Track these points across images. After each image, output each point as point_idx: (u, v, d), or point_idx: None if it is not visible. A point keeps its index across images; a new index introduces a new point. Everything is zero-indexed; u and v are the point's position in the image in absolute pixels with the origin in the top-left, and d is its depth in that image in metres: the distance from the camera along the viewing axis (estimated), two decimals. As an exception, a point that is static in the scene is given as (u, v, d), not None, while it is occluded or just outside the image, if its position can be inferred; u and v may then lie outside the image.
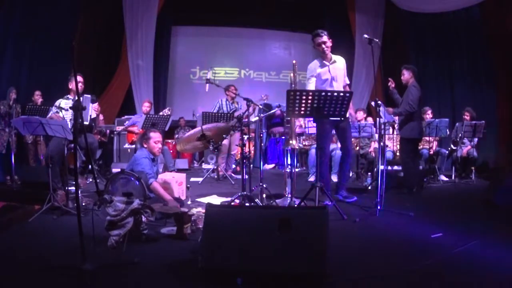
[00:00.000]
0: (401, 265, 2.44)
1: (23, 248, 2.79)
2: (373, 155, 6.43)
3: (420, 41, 8.73)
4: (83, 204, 3.95)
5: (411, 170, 5.09)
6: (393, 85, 5.14)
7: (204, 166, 8.43)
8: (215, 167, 6.52)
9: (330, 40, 4.25)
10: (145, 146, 3.84)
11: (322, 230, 2.16)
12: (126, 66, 9.22)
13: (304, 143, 7.77)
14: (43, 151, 5.93)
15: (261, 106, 5.02)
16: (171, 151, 8.15)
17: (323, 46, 4.21)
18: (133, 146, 6.65)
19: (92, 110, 4.49)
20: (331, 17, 10.18)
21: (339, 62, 4.38)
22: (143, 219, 2.90)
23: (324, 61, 4.32)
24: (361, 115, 7.11)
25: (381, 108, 4.67)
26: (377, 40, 4.00)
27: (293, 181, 4.31)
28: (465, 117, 6.68)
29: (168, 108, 7.03)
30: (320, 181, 3.79)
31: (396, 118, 5.44)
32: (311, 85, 4.34)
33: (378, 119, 4.18)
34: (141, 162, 3.71)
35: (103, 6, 8.84)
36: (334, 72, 4.32)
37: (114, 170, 6.06)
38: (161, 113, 6.84)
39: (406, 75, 5.02)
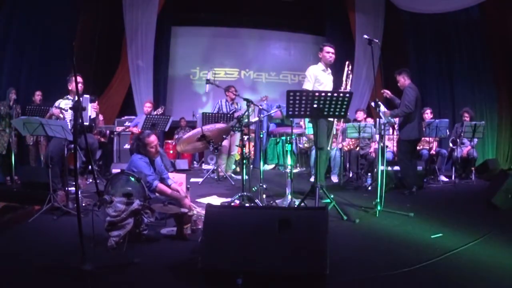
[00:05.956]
0: (401, 265, 2.44)
1: (23, 248, 2.79)
2: (373, 155, 6.43)
3: (420, 41, 8.71)
4: (83, 204, 3.95)
5: (408, 170, 5.10)
6: (388, 95, 5.19)
7: (204, 166, 8.43)
8: (215, 168, 6.52)
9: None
10: (144, 153, 3.66)
11: (322, 230, 2.16)
12: (126, 66, 9.20)
13: (304, 144, 7.76)
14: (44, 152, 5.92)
15: (261, 107, 5.02)
16: (171, 151, 8.17)
17: (331, 55, 4.62)
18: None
19: (91, 109, 4.48)
20: (331, 17, 10.16)
21: (331, 77, 4.78)
22: (144, 220, 2.90)
23: (325, 68, 4.70)
24: (361, 115, 7.11)
25: (381, 108, 4.68)
26: (377, 41, 4.05)
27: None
28: (465, 118, 6.66)
29: (161, 107, 7.00)
30: None
31: (396, 119, 5.45)
32: (309, 85, 4.57)
33: (378, 119, 4.19)
34: (138, 164, 3.57)
35: (103, 6, 8.84)
36: (329, 81, 4.73)
37: (114, 171, 6.05)
38: (154, 113, 6.77)
39: (401, 80, 5.10)
